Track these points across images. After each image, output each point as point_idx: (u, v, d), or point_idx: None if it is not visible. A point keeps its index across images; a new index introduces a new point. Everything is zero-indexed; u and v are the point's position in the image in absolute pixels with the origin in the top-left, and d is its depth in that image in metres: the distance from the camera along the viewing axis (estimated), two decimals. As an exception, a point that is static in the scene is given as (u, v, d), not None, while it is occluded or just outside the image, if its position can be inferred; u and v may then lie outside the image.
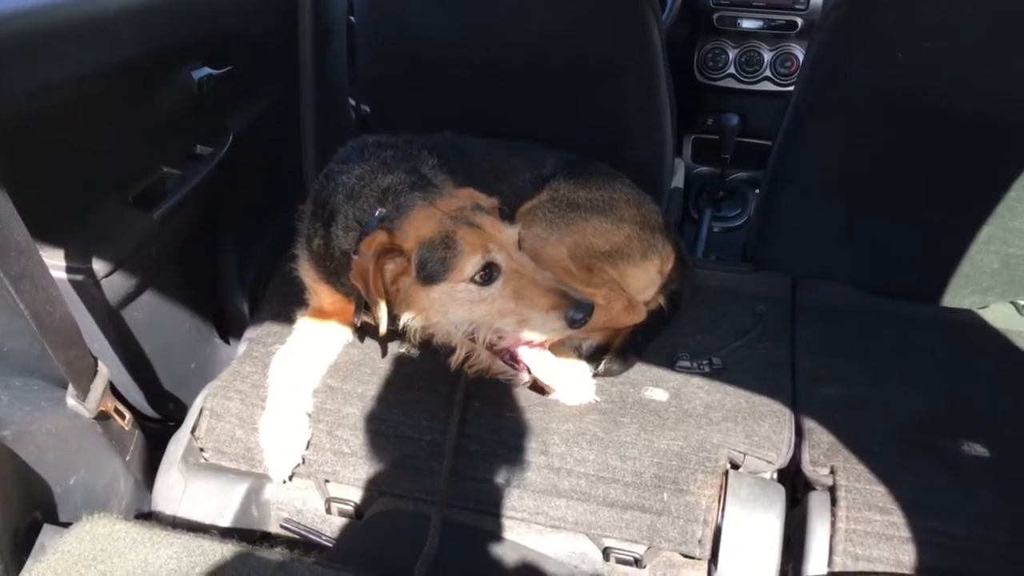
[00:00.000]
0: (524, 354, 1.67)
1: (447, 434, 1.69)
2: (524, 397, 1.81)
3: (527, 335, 1.59)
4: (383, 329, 1.65)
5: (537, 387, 1.79)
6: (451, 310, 1.61)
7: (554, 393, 1.79)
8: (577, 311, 1.52)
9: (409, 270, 1.61)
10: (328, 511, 1.76)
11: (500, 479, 1.68)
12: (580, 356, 1.88)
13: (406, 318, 1.67)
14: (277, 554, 1.38)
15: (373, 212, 1.71)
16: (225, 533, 1.65)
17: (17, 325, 1.59)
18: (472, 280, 1.57)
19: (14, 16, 1.52)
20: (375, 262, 1.58)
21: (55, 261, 1.64)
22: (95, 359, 1.60)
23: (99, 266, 1.71)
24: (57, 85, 1.61)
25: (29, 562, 1.40)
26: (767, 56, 3.28)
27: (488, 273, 1.56)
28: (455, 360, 1.72)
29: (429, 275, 1.58)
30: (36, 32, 1.55)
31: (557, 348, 1.84)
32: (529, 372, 1.69)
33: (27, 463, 1.45)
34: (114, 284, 1.76)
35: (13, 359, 1.60)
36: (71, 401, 1.55)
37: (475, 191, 1.74)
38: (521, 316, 1.57)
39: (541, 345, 1.67)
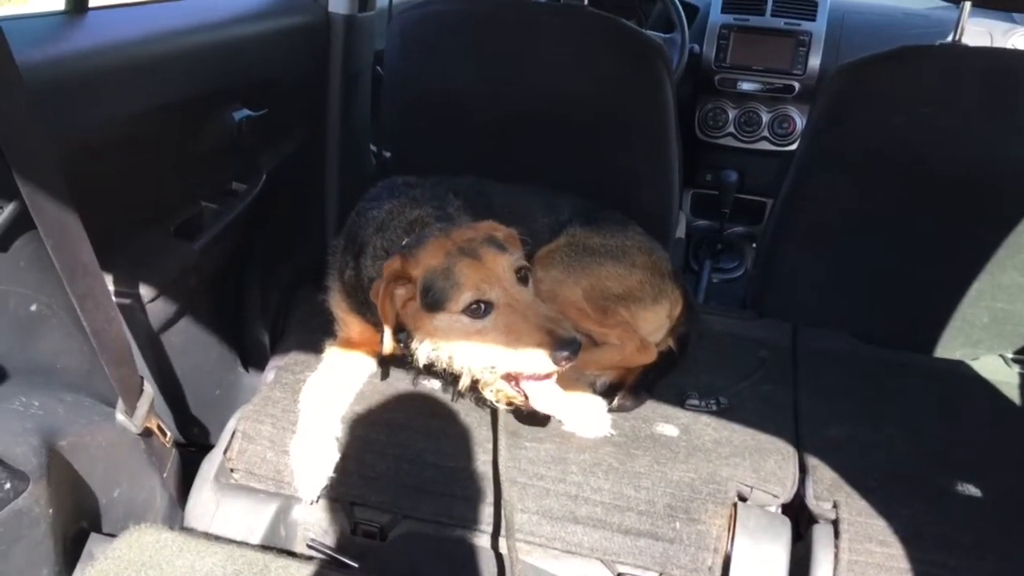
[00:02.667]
0: (527, 385, 1.71)
1: (494, 464, 1.76)
2: (543, 428, 1.89)
3: (517, 368, 1.65)
4: (386, 349, 1.75)
5: (536, 417, 1.84)
6: (450, 338, 1.69)
7: (566, 424, 1.86)
8: (562, 348, 1.56)
9: (416, 297, 1.70)
10: (353, 532, 1.83)
11: (520, 505, 1.76)
12: (595, 392, 1.98)
13: (416, 343, 1.76)
14: (316, 566, 1.46)
15: (400, 242, 1.81)
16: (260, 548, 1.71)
17: (70, 344, 1.68)
18: (464, 312, 1.64)
19: (84, 55, 1.64)
20: (385, 286, 1.69)
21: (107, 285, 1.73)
22: (141, 378, 1.68)
23: (145, 291, 1.80)
24: (116, 121, 1.73)
25: (79, 566, 1.48)
26: (765, 117, 3.44)
27: (480, 307, 1.63)
28: (462, 386, 1.80)
29: (431, 303, 1.66)
30: (101, 70, 1.67)
31: (573, 384, 1.94)
32: (526, 400, 1.72)
33: (79, 474, 1.53)
34: (157, 310, 1.86)
35: (65, 376, 1.67)
36: (120, 416, 1.63)
37: (495, 223, 1.83)
38: (511, 350, 1.63)
39: (545, 377, 1.70)
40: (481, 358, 1.67)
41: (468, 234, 1.73)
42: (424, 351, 1.74)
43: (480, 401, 1.86)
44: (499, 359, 1.65)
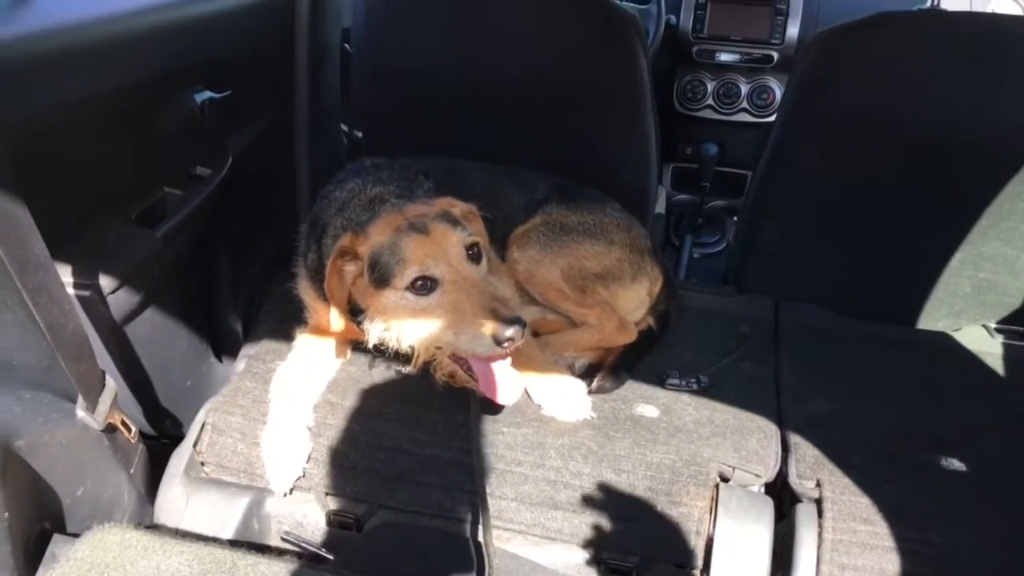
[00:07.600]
0: (479, 368, 1.65)
1: (470, 450, 1.72)
2: (520, 413, 1.85)
3: (460, 349, 1.60)
4: (334, 327, 1.71)
5: (486, 402, 1.75)
6: (397, 315, 1.64)
7: (545, 408, 1.85)
8: (505, 329, 1.50)
9: (364, 273, 1.65)
10: (328, 524, 1.79)
11: (498, 492, 1.73)
12: (574, 374, 1.94)
13: (367, 322, 1.71)
14: (287, 562, 1.42)
15: (360, 219, 1.76)
16: (228, 545, 1.67)
17: (27, 339, 1.61)
18: (409, 289, 1.59)
19: (34, 37, 1.56)
20: (332, 262, 1.64)
21: (64, 277, 1.67)
22: (103, 372, 1.63)
23: (105, 282, 1.73)
24: (69, 104, 1.65)
25: (41, 570, 1.42)
26: (744, 88, 3.39)
27: (425, 283, 1.58)
28: (414, 364, 1.74)
29: (378, 279, 1.62)
30: (52, 52, 1.59)
31: (551, 366, 1.90)
32: (477, 384, 1.66)
33: (39, 473, 1.47)
34: (119, 300, 1.79)
35: (23, 372, 1.61)
36: (81, 413, 1.57)
37: (452, 199, 1.77)
38: (455, 330, 1.57)
39: (491, 359, 1.63)
40: (427, 337, 1.62)
41: (421, 209, 1.68)
42: (375, 330, 1.70)
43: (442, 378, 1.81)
44: (444, 339, 1.60)
